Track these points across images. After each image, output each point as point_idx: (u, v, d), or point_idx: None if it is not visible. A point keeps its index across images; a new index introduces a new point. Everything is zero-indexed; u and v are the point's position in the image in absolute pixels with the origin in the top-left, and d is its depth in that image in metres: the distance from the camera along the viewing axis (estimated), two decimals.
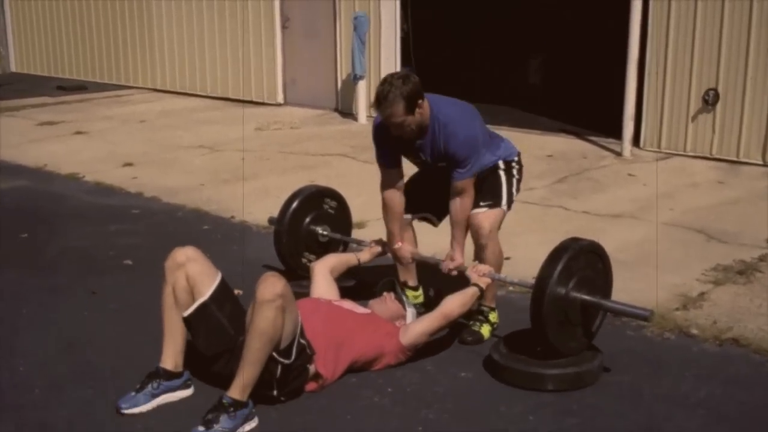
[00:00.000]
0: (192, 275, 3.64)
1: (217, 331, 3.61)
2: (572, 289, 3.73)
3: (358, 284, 4.71)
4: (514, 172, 4.37)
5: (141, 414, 3.51)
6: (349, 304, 4.10)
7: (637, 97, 8.23)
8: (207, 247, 4.06)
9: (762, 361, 4.00)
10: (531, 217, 6.26)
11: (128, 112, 11.38)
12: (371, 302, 4.20)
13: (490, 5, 12.20)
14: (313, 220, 4.91)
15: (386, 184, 4.34)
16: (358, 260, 4.60)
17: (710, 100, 7.92)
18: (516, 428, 3.44)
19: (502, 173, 4.32)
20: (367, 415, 3.54)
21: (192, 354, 3.70)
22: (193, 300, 3.63)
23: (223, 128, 10.07)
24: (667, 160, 8.10)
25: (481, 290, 4.13)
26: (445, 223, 4.41)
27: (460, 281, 4.21)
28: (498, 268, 4.30)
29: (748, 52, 7.67)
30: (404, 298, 4.24)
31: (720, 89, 7.88)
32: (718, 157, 7.95)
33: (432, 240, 4.75)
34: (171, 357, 3.64)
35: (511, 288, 4.82)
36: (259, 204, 6.59)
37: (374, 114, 4.45)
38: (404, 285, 4.58)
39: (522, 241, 5.48)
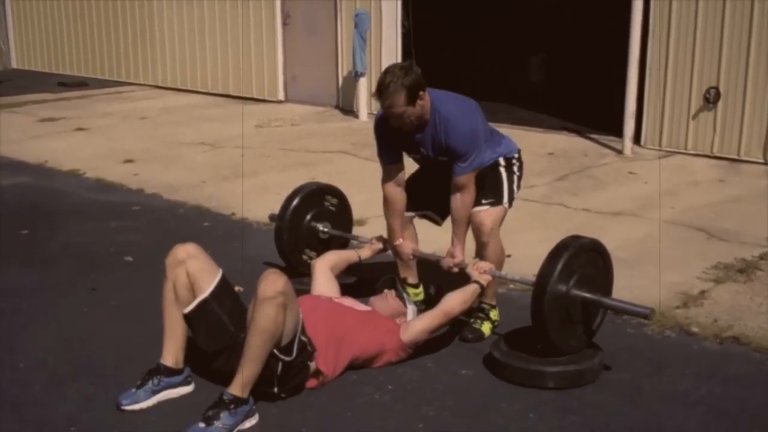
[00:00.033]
0: (193, 272, 3.64)
1: (217, 327, 3.61)
2: (573, 286, 3.73)
3: (359, 281, 4.71)
4: (515, 168, 4.37)
5: (141, 410, 3.51)
6: (349, 302, 4.10)
7: (638, 95, 8.23)
8: (208, 244, 4.06)
9: (762, 359, 4.00)
10: (532, 214, 6.26)
11: (129, 109, 11.39)
12: (372, 299, 4.20)
13: (490, 5, 12.21)
14: (313, 217, 4.91)
15: (387, 180, 4.34)
16: (359, 257, 4.60)
17: (711, 98, 7.92)
18: (516, 426, 3.44)
19: (502, 170, 4.32)
20: (367, 412, 3.54)
21: (193, 351, 3.70)
22: (194, 297, 3.63)
23: (224, 125, 10.07)
24: (668, 158, 8.10)
25: (482, 287, 4.13)
26: (447, 220, 4.41)
27: (461, 279, 4.21)
28: (499, 265, 4.30)
29: (749, 51, 7.67)
30: (405, 296, 4.25)
31: (721, 87, 7.88)
32: (719, 155, 7.95)
33: (433, 237, 4.74)
34: (172, 353, 3.65)
35: (511, 285, 4.82)
36: (260, 201, 6.59)
37: (375, 111, 4.45)
38: (405, 282, 4.58)
39: (523, 239, 5.48)
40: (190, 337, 3.69)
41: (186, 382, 3.67)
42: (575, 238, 3.88)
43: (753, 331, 4.25)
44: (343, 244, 5.00)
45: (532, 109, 10.39)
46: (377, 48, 10.15)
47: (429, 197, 4.42)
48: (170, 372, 3.62)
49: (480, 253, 4.28)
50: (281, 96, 11.61)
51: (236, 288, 3.83)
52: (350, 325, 3.86)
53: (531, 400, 3.61)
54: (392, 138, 4.23)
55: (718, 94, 7.89)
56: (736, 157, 7.86)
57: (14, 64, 15.81)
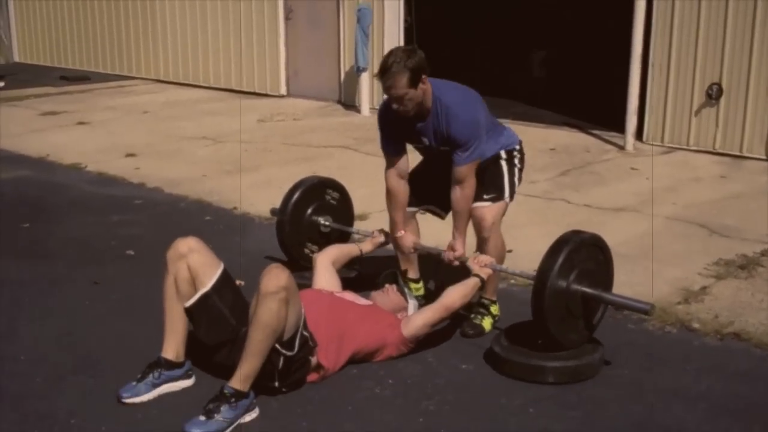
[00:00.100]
0: (194, 266, 3.65)
1: (218, 321, 3.61)
2: (573, 281, 3.73)
3: (360, 276, 4.71)
4: (516, 161, 4.36)
5: (142, 403, 3.52)
6: (351, 296, 4.11)
7: (640, 91, 8.22)
8: (209, 238, 4.06)
9: (763, 355, 4.00)
10: (533, 210, 6.26)
11: (131, 103, 11.39)
12: (373, 294, 4.21)
13: (491, 5, 12.20)
14: (315, 211, 4.91)
15: (390, 172, 4.32)
16: (361, 251, 4.60)
17: (714, 94, 7.91)
18: (516, 420, 3.44)
19: (503, 163, 4.31)
20: (367, 406, 3.55)
21: (194, 344, 3.70)
22: (195, 290, 3.63)
23: (226, 119, 10.07)
24: (670, 154, 8.09)
25: (483, 281, 4.12)
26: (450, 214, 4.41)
27: (461, 273, 4.21)
28: (500, 260, 4.30)
29: (752, 47, 7.66)
30: (406, 291, 4.24)
31: (723, 83, 7.87)
32: (721, 151, 7.95)
33: (435, 232, 4.74)
34: (172, 347, 3.65)
35: (512, 281, 4.83)
36: (262, 195, 6.59)
37: (377, 107, 4.44)
38: (406, 277, 4.58)
39: (524, 234, 5.48)
40: (191, 330, 3.70)
41: (187, 376, 3.67)
42: (576, 233, 3.87)
43: (754, 327, 4.25)
44: (344, 237, 5.00)
45: (534, 104, 10.38)
46: (379, 43, 10.15)
47: (431, 191, 4.41)
48: (171, 365, 3.62)
49: (481, 248, 4.28)
50: (283, 91, 11.60)
51: (237, 282, 3.83)
52: (351, 319, 3.86)
53: (531, 395, 3.61)
54: (395, 127, 4.22)
55: (720, 90, 7.88)
56: (738, 153, 7.85)
57: (16, 58, 15.80)
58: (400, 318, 4.00)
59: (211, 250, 3.77)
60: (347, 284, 4.36)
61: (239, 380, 3.36)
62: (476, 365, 3.90)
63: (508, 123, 5.99)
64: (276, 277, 3.36)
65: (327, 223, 4.91)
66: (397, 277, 4.29)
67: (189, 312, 3.64)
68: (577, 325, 3.82)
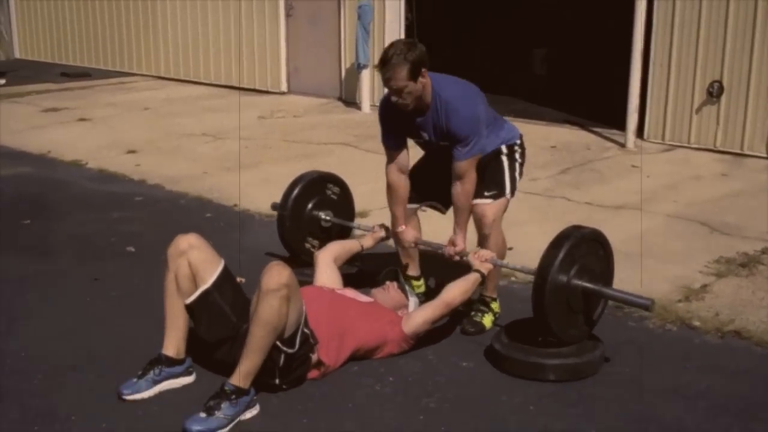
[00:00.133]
0: (194, 262, 3.65)
1: (219, 318, 3.61)
2: (574, 276, 3.72)
3: (361, 272, 4.71)
4: (517, 156, 4.34)
5: (143, 400, 3.52)
6: (352, 293, 4.11)
7: (641, 89, 8.21)
8: (209, 235, 4.06)
9: (763, 353, 4.00)
10: (534, 207, 6.26)
11: (132, 100, 11.38)
12: (374, 291, 4.21)
13: (492, 3, 12.20)
14: (315, 206, 4.89)
15: (391, 167, 4.31)
16: (362, 246, 4.59)
17: (715, 92, 7.91)
18: (516, 418, 3.44)
19: (504, 159, 4.30)
20: (368, 403, 3.55)
21: (194, 341, 3.71)
22: (196, 287, 3.63)
23: (227, 116, 10.07)
24: (670, 152, 8.09)
25: (483, 276, 4.11)
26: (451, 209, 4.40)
27: (462, 270, 4.20)
28: (501, 257, 4.30)
29: (753, 45, 7.65)
30: (407, 288, 4.24)
31: (724, 81, 7.87)
32: (721, 149, 7.94)
33: (436, 228, 4.74)
34: (173, 344, 3.65)
35: (513, 278, 4.83)
36: (262, 192, 6.58)
37: (378, 103, 4.44)
38: (406, 274, 4.57)
39: (524, 232, 5.48)
40: (191, 327, 3.70)
41: (187, 373, 3.67)
42: (576, 228, 3.87)
43: (754, 326, 4.25)
44: (345, 232, 4.99)
45: (535, 102, 10.38)
46: (380, 40, 10.13)
47: (432, 187, 4.39)
48: (171, 362, 3.62)
49: (482, 245, 4.28)
50: (284, 87, 11.60)
51: (238, 279, 3.83)
52: (353, 316, 3.86)
53: (531, 393, 3.61)
54: (395, 122, 4.21)
55: (721, 88, 7.88)
56: (739, 151, 7.85)
57: (17, 54, 15.80)
58: (400, 315, 4.00)
59: (211, 246, 3.77)
60: (348, 280, 4.36)
61: (240, 377, 3.36)
62: (477, 363, 3.90)
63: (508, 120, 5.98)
64: (277, 275, 3.36)
65: (328, 217, 4.90)
66: (398, 275, 4.29)
67: (190, 309, 3.64)
68: (577, 320, 3.82)
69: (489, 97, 4.27)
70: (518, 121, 8.46)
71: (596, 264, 3.86)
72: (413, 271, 4.63)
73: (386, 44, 10.89)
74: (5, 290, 4.75)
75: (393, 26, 10.20)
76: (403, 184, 4.33)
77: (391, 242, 4.61)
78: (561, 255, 3.68)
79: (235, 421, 3.32)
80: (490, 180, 4.24)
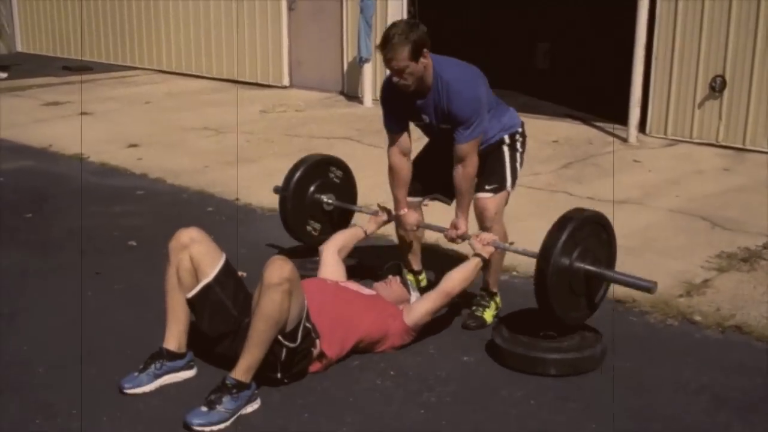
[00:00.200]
0: (196, 256, 3.65)
1: (220, 312, 3.62)
2: (576, 259, 3.71)
3: (361, 265, 4.71)
4: (518, 145, 4.32)
5: (144, 394, 3.53)
6: (355, 286, 4.11)
7: (643, 84, 8.19)
8: (211, 229, 4.06)
9: (764, 348, 4.00)
10: (536, 202, 6.25)
11: (133, 93, 11.38)
12: (376, 285, 4.21)
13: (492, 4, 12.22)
14: (318, 189, 4.84)
15: (393, 149, 4.27)
16: (365, 233, 4.56)
17: (717, 86, 7.90)
18: (517, 412, 3.45)
19: (506, 149, 4.27)
20: (369, 397, 3.55)
21: (196, 335, 3.71)
22: (197, 281, 3.63)
23: (229, 110, 10.05)
24: (673, 147, 8.08)
25: (485, 261, 4.10)
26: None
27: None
28: (502, 252, 4.30)
29: (756, 39, 7.64)
30: (409, 283, 4.24)
31: (727, 76, 7.85)
32: (724, 144, 7.93)
33: (439, 221, 4.74)
34: (174, 338, 3.65)
35: (514, 273, 4.84)
36: (263, 186, 6.57)
37: (379, 97, 4.43)
38: (410, 268, 4.57)
39: (526, 226, 5.46)
40: (192, 321, 3.70)
41: (188, 367, 3.68)
42: (579, 211, 3.85)
43: (755, 320, 4.25)
44: (347, 215, 4.96)
45: (537, 96, 10.37)
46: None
47: (435, 180, 4.36)
48: (173, 356, 3.63)
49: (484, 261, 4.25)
50: (286, 81, 11.59)
51: (239, 273, 3.83)
52: (355, 308, 3.86)
53: (532, 387, 3.62)
54: (397, 103, 4.18)
55: (724, 83, 7.87)
56: (741, 146, 7.84)
57: (19, 48, 15.79)
58: (401, 309, 4.00)
59: (212, 240, 3.77)
60: (349, 273, 4.35)
61: (241, 371, 3.36)
62: (478, 357, 3.90)
63: None
64: (279, 269, 3.36)
65: (330, 201, 4.86)
66: (401, 269, 4.29)
67: (191, 303, 3.65)
68: (579, 303, 3.80)
69: (491, 91, 4.25)
70: (520, 115, 8.42)
71: (599, 247, 3.83)
72: (415, 265, 4.63)
73: None
74: (6, 284, 4.76)
75: (395, 20, 10.17)
76: (405, 166, 4.29)
77: (393, 237, 4.61)
78: (563, 237, 3.65)
79: (237, 415, 3.33)
80: (492, 172, 4.23)
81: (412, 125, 4.29)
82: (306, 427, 3.34)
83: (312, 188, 4.84)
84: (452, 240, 4.25)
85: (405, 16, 10.26)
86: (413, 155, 4.38)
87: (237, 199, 6.46)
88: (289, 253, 4.61)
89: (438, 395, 3.56)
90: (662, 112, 8.32)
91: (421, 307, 3.95)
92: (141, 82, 12.33)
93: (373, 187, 5.70)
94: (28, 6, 15.45)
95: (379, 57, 9.25)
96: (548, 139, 8.27)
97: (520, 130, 4.35)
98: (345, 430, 3.31)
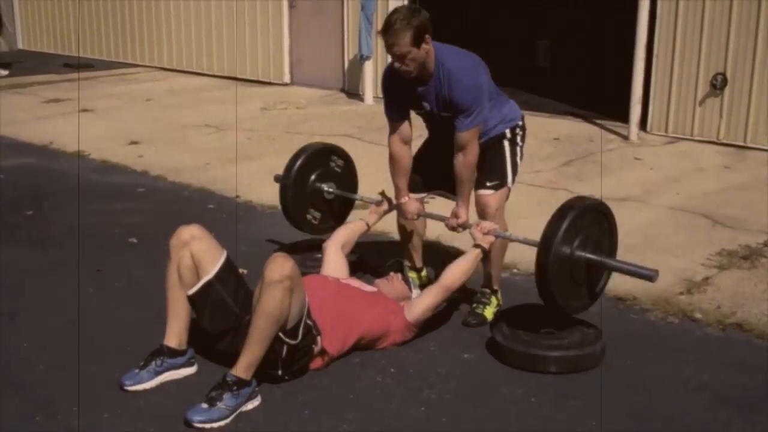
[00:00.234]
0: (197, 253, 3.65)
1: (221, 309, 3.62)
2: (577, 247, 3.69)
3: (362, 261, 4.71)
4: (518, 139, 4.30)
5: (144, 391, 3.53)
6: (356, 283, 4.11)
7: (644, 81, 8.19)
8: (212, 226, 4.07)
9: (765, 345, 4.00)
10: (537, 199, 6.25)
11: (135, 91, 11.38)
12: (377, 281, 4.21)
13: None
14: (319, 177, 4.80)
15: (394, 137, 4.26)
16: (368, 225, 4.55)
17: (718, 84, 7.89)
18: (518, 409, 3.45)
19: (506, 144, 4.25)
20: (369, 394, 3.55)
21: (196, 332, 3.71)
22: (198, 278, 3.63)
23: (230, 107, 10.04)
24: (673, 145, 8.08)
25: (484, 252, 4.10)
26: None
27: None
28: (503, 247, 4.29)
29: (757, 37, 7.63)
30: (410, 280, 4.24)
31: (728, 74, 7.85)
32: (725, 141, 7.93)
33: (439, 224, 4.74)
34: (175, 335, 3.66)
35: (515, 270, 4.84)
36: (264, 184, 6.57)
37: (381, 95, 4.42)
38: (413, 263, 4.57)
39: (527, 223, 5.44)
40: (193, 318, 3.70)
41: (189, 364, 3.68)
42: (580, 199, 3.85)
43: (756, 318, 4.25)
44: (347, 204, 4.93)
45: (538, 93, 10.36)
46: None
47: (437, 176, 4.33)
48: (173, 353, 3.63)
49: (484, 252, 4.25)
50: (287, 79, 11.59)
51: (240, 270, 3.83)
52: (357, 305, 3.86)
53: (533, 385, 3.62)
54: (398, 91, 4.17)
55: (725, 80, 7.86)
56: (742, 143, 7.83)
57: (20, 45, 15.78)
58: (402, 306, 4.00)
59: (213, 237, 3.77)
60: (351, 270, 4.35)
61: (242, 368, 3.37)
62: (478, 354, 3.91)
63: None
64: (280, 266, 3.36)
65: (331, 189, 4.82)
66: (403, 266, 4.29)
67: (192, 300, 3.65)
68: (580, 291, 3.79)
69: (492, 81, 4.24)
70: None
71: (600, 235, 3.82)
72: (417, 262, 4.63)
73: None
74: (6, 281, 4.76)
75: (397, 6, 10.16)
76: (405, 154, 4.27)
77: (394, 234, 4.60)
78: (564, 226, 3.64)
79: (237, 411, 3.33)
80: (492, 168, 4.22)
81: (413, 115, 4.28)
82: (306, 424, 3.34)
83: (313, 177, 4.80)
84: (453, 229, 4.23)
85: None
86: (413, 151, 4.37)
87: (238, 197, 6.46)
88: (290, 250, 4.62)
89: (438, 392, 3.57)
90: (663, 110, 8.31)
91: (422, 303, 3.96)
92: (142, 80, 12.33)
93: (374, 184, 5.67)
94: (30, 3, 15.44)
95: (380, 54, 9.18)
96: (549, 137, 8.27)
97: (520, 123, 4.33)
98: (345, 427, 3.31)
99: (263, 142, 8.27)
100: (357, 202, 4.98)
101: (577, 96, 9.95)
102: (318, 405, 3.46)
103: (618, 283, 4.53)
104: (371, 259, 4.73)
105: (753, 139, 7.78)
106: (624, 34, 8.50)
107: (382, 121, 4.36)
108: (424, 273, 4.65)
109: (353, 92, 10.75)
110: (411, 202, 4.35)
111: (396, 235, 4.74)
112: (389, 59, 4.06)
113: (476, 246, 4.09)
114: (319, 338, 3.65)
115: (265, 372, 3.48)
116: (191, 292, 3.63)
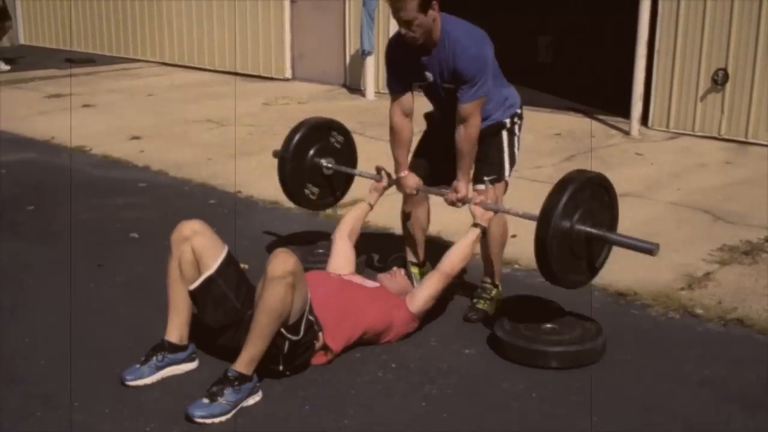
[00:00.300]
0: (198, 248, 3.65)
1: (223, 304, 3.62)
2: (577, 221, 3.66)
3: (367, 258, 4.71)
4: (516, 129, 4.27)
5: (145, 386, 3.53)
6: (358, 279, 4.12)
7: (646, 77, 8.18)
8: (213, 222, 4.06)
9: (766, 341, 4.00)
10: (538, 195, 6.18)
11: (136, 86, 11.37)
12: (380, 276, 4.21)
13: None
14: (318, 152, 4.74)
15: (395, 109, 4.24)
16: (370, 205, 4.54)
17: (719, 80, 7.88)
18: (519, 404, 3.45)
19: (505, 135, 4.22)
20: (370, 389, 3.56)
21: (198, 327, 3.71)
22: (199, 273, 3.63)
23: (231, 103, 10.04)
24: (675, 140, 8.07)
25: (484, 231, 4.08)
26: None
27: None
28: (502, 239, 4.29)
29: (758, 32, 7.62)
30: (413, 275, 4.25)
31: (729, 69, 7.84)
32: (726, 137, 7.92)
33: (440, 219, 4.74)
34: (176, 330, 3.66)
35: (516, 265, 4.84)
36: (266, 179, 6.58)
37: (383, 90, 4.41)
38: (412, 261, 4.57)
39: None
40: (194, 313, 3.71)
41: (190, 359, 3.68)
42: (581, 172, 3.81)
43: (757, 313, 4.25)
44: (346, 180, 4.89)
45: (540, 89, 10.34)
46: (385, 27, 10.09)
47: (440, 170, 4.31)
48: (174, 348, 3.63)
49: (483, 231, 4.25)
50: (288, 74, 11.58)
51: (241, 265, 3.83)
52: (359, 301, 3.87)
53: (534, 380, 3.62)
54: (401, 62, 4.15)
55: (726, 76, 7.85)
56: (743, 139, 7.82)
57: (22, 40, 15.77)
58: (404, 300, 4.00)
59: (215, 233, 3.77)
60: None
61: (243, 363, 3.37)
62: (479, 350, 3.91)
63: None
64: (283, 262, 3.36)
65: (330, 165, 4.76)
66: (405, 262, 4.29)
67: (193, 295, 3.65)
68: (579, 265, 3.77)
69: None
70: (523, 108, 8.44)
71: (600, 209, 3.79)
72: (419, 258, 4.63)
73: (391, 31, 10.87)
74: (8, 276, 4.77)
75: None
76: (406, 127, 4.25)
77: (397, 230, 4.60)
78: (564, 199, 3.60)
79: (238, 407, 3.34)
80: (490, 161, 4.20)
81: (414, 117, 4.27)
82: (307, 419, 3.34)
83: (312, 151, 4.72)
84: (452, 203, 4.18)
85: None
86: (412, 148, 4.36)
87: (239, 192, 6.46)
88: (291, 246, 4.62)
89: (439, 388, 3.57)
90: (664, 105, 8.30)
91: (423, 292, 3.96)
92: (144, 75, 12.32)
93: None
94: None
95: (381, 49, 9.16)
96: (551, 132, 8.26)
97: (519, 111, 4.30)
98: (346, 423, 3.32)
99: (265, 138, 8.26)
100: (356, 177, 4.90)
101: (579, 92, 9.94)
102: (319, 400, 3.46)
103: (619, 279, 4.54)
104: (374, 254, 4.73)
105: (754, 134, 7.77)
106: (625, 30, 8.48)
107: (384, 116, 4.36)
108: (426, 268, 4.65)
109: (355, 88, 10.75)
110: (410, 176, 4.31)
111: (398, 230, 4.74)
112: (395, 29, 4.00)
113: (475, 225, 4.07)
114: (320, 334, 3.65)
115: (266, 367, 3.48)
116: (192, 287, 3.63)
